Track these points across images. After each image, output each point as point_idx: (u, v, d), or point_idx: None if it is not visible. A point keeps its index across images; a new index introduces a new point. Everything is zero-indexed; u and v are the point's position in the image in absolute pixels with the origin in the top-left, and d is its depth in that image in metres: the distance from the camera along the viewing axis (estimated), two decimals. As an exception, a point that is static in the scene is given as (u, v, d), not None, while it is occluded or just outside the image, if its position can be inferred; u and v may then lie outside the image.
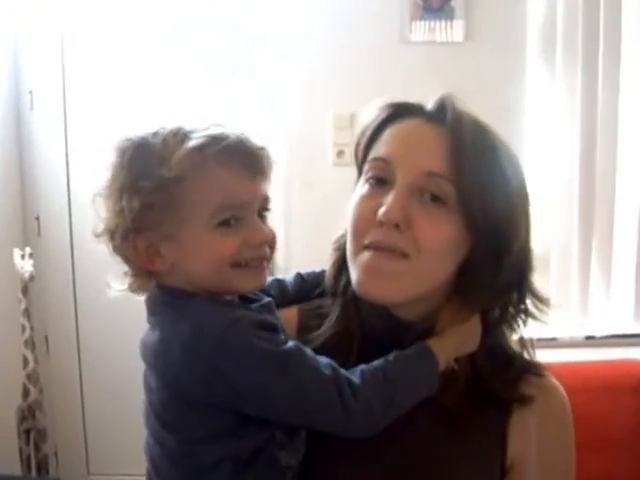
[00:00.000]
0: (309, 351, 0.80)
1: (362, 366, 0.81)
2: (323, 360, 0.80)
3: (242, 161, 0.81)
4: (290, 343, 0.79)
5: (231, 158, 0.80)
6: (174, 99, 2.24)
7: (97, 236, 0.83)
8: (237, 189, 0.80)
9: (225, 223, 0.80)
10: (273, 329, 0.81)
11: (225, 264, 0.81)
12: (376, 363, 0.82)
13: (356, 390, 0.78)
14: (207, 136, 0.79)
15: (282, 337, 0.81)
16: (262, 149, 0.83)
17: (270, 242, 0.84)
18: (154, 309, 0.84)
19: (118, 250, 0.83)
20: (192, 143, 0.78)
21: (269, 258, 0.85)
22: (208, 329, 0.77)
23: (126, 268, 0.85)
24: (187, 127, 0.81)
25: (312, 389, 0.77)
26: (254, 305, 0.86)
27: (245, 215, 0.81)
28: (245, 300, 0.87)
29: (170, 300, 0.82)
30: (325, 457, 0.85)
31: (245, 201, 0.81)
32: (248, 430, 0.79)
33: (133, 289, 0.86)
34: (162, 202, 0.78)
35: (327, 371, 0.78)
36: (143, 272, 0.83)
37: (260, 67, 2.32)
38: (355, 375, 0.80)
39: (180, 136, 0.79)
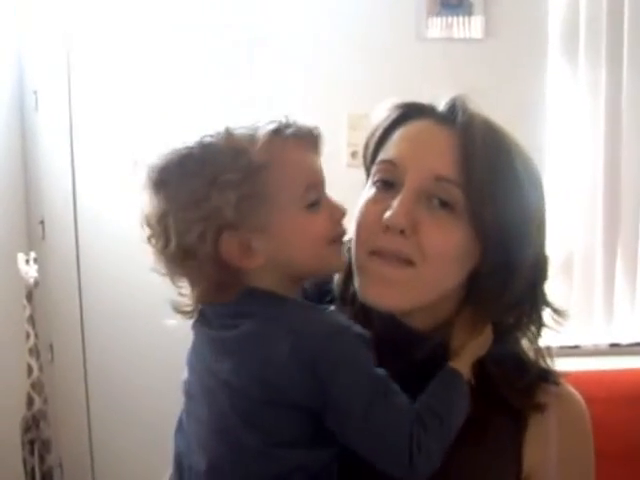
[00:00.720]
0: (396, 386, 0.79)
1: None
2: (406, 402, 0.78)
3: (312, 141, 0.83)
4: (382, 371, 0.79)
5: (304, 139, 0.82)
6: (182, 97, 2.20)
7: (170, 256, 0.81)
8: (316, 168, 0.83)
9: (315, 203, 0.82)
10: (369, 345, 0.79)
11: (323, 242, 0.82)
12: (423, 404, 0.79)
13: (420, 441, 0.77)
14: (276, 121, 0.80)
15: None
16: (318, 128, 0.85)
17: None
18: (236, 310, 0.82)
19: (193, 262, 0.80)
20: (269, 127, 0.79)
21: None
22: (313, 333, 0.77)
23: (194, 285, 0.83)
24: (234, 125, 0.81)
25: (389, 429, 0.77)
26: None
27: (323, 193, 0.84)
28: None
29: (259, 301, 0.81)
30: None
31: (323, 179, 0.84)
32: (327, 440, 0.79)
33: (199, 303, 0.85)
34: (251, 192, 0.78)
35: (406, 416, 0.77)
36: (225, 278, 0.81)
37: (270, 66, 2.27)
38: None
39: (239, 130, 0.80)
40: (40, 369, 1.98)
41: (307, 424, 0.79)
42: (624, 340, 2.31)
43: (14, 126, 2.26)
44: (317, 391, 0.76)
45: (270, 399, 0.78)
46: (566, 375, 0.93)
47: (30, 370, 1.96)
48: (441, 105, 0.87)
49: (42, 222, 2.33)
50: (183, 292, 0.85)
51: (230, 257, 0.80)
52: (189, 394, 0.86)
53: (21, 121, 2.29)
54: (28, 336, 1.96)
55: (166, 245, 0.80)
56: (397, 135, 0.87)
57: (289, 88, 2.24)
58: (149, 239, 0.82)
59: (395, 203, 0.82)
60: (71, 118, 2.31)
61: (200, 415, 0.83)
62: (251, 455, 0.79)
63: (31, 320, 1.96)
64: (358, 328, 0.80)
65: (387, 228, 0.82)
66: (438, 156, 0.83)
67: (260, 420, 0.79)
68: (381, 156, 0.88)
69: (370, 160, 0.90)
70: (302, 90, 2.25)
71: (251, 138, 0.79)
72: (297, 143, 0.81)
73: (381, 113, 0.90)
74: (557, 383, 0.90)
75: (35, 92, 2.28)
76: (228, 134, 0.79)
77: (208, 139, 0.79)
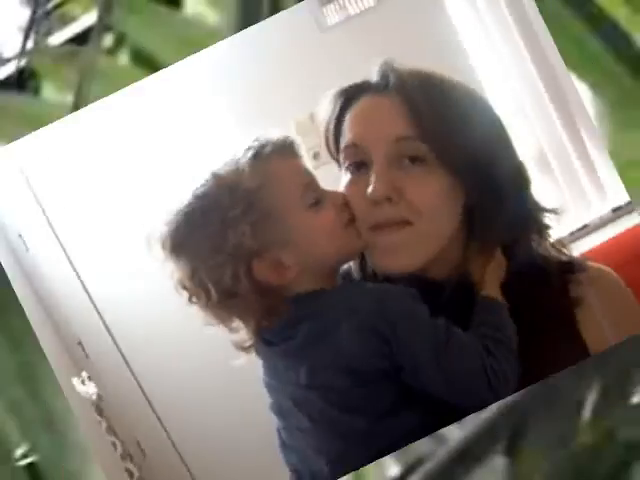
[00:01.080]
0: (455, 327, 0.82)
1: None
2: (469, 338, 0.81)
3: (289, 148, 0.87)
4: (441, 320, 0.81)
5: (282, 150, 0.86)
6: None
7: (215, 305, 0.84)
8: (303, 170, 0.87)
9: (317, 200, 0.86)
10: (418, 298, 0.83)
11: (339, 230, 0.86)
12: (480, 335, 0.82)
13: (494, 368, 0.80)
14: (251, 147, 0.84)
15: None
16: (288, 136, 0.88)
17: None
18: (290, 321, 0.84)
19: (238, 300, 0.83)
20: (248, 154, 0.83)
21: None
22: (363, 303, 0.81)
23: (246, 319, 0.86)
24: (216, 162, 0.85)
25: (462, 368, 0.80)
26: None
27: (319, 189, 0.88)
28: None
29: (305, 302, 0.84)
30: None
31: (313, 177, 0.88)
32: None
33: (257, 334, 0.87)
34: (259, 217, 0.81)
35: (474, 351, 0.80)
36: (270, 301, 0.84)
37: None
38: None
39: (222, 168, 0.84)
40: (139, 469, 2.06)
41: (398, 388, 0.81)
42: (620, 201, 2.29)
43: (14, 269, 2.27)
44: (387, 353, 0.79)
45: (354, 381, 0.80)
46: (588, 256, 0.97)
47: (131, 474, 2.04)
48: (374, 77, 0.90)
49: (80, 343, 2.34)
50: (234, 330, 0.88)
51: (267, 279, 0.82)
52: (281, 412, 0.88)
53: (18, 264, 2.30)
54: (114, 445, 2.04)
55: (208, 297, 0.82)
56: (348, 119, 0.90)
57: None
58: (190, 300, 0.84)
59: (372, 178, 0.85)
60: (64, 248, 2.35)
61: (300, 425, 0.84)
62: (363, 436, 0.81)
63: (110, 430, 2.04)
64: (401, 286, 0.84)
65: (375, 202, 0.85)
66: (389, 121, 0.86)
67: (355, 403, 0.81)
68: (342, 143, 0.91)
69: (335, 151, 0.93)
70: (241, 105, 2.26)
71: (236, 171, 0.82)
72: (277, 157, 0.84)
73: (325, 107, 0.93)
74: (584, 269, 0.92)
75: (20, 235, 2.31)
76: (215, 177, 0.83)
77: (200, 190, 0.83)
